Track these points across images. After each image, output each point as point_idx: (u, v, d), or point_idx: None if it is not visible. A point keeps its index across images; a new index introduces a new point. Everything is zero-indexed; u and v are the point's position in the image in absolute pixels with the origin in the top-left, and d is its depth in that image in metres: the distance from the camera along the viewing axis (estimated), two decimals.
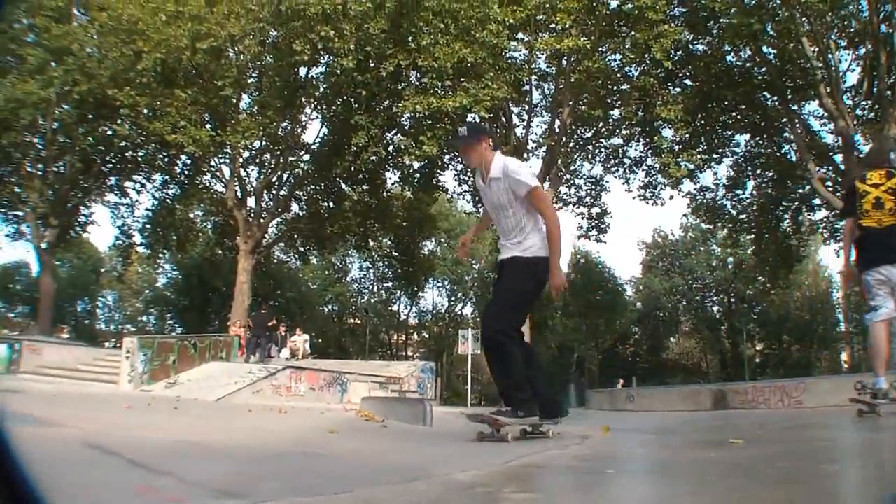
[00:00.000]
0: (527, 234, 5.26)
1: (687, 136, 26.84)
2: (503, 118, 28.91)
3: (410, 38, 25.59)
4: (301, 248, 37.53)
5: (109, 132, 31.37)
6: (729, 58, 27.39)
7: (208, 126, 28.94)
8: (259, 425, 8.68)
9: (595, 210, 31.30)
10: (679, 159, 25.80)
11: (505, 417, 5.20)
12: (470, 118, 24.41)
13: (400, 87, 27.48)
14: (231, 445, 5.58)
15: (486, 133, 5.50)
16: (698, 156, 27.44)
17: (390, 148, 29.53)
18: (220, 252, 39.19)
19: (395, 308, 55.60)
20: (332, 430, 7.89)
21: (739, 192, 31.51)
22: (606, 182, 32.04)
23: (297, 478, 3.70)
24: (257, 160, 31.89)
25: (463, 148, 5.45)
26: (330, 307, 54.15)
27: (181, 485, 3.37)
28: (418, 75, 26.79)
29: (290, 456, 5.02)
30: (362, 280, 54.28)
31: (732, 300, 52.09)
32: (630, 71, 26.94)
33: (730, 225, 32.84)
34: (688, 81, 28.08)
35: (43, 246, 32.74)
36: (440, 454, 4.99)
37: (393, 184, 33.59)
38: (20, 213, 34.52)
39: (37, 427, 5.46)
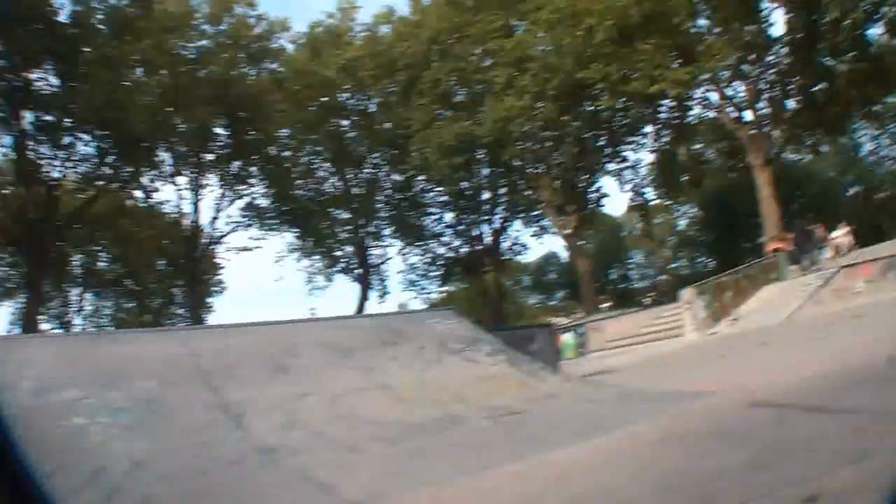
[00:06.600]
0: None
1: None
2: None
3: None
4: (808, 142, 36.04)
5: (592, 110, 33.26)
6: None
7: (680, 63, 29.36)
8: (858, 339, 9.19)
9: None
10: None
11: None
12: None
13: None
14: (864, 367, 5.96)
15: None
16: None
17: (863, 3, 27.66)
18: (733, 175, 39.53)
19: None
20: None
21: None
22: None
23: None
24: (738, 74, 31.38)
25: None
26: (853, 189, 51.15)
27: (875, 416, 3.93)
28: None
29: None
30: (878, 149, 50.04)
31: None
32: None
33: None
34: None
35: (567, 232, 36.25)
36: None
37: (877, 38, 31.14)
38: (537, 212, 39.28)
39: (699, 400, 6.07)
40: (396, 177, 40.92)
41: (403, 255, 43.07)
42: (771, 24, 30.73)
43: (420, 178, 39.60)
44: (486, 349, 8.87)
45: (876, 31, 29.88)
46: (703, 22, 30.53)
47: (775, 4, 30.27)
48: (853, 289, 19.53)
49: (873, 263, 20.73)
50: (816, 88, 31.23)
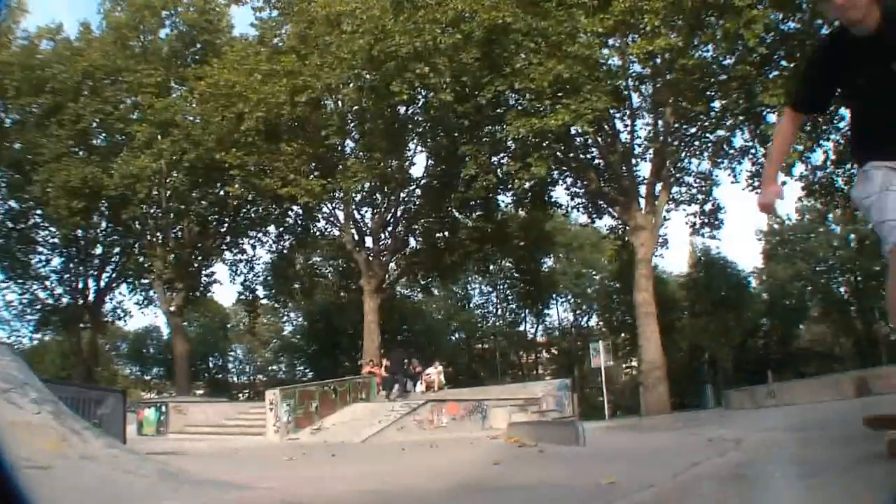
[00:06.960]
0: None
1: None
2: (606, 127, 28.92)
3: (504, 63, 25.72)
4: (422, 281, 38.07)
5: (222, 194, 32.76)
6: (823, 31, 25.60)
7: (317, 175, 29.70)
8: (424, 465, 9.57)
9: (707, 207, 31.49)
10: None
11: None
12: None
13: (501, 112, 27.63)
14: (417, 490, 6.32)
15: None
16: (805, 137, 26.70)
17: (499, 172, 29.26)
18: (343, 295, 40.46)
19: (521, 328, 55.66)
20: (496, 462, 8.75)
21: (848, 166, 28.94)
22: (716, 176, 31.89)
23: None
24: (369, 201, 32.54)
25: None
26: (457, 335, 54.62)
27: None
28: (517, 98, 27.02)
29: (479, 494, 5.78)
30: (486, 304, 54.83)
31: (860, 278, 49.69)
32: (725, 61, 26.83)
33: (844, 202, 30.91)
34: (784, 62, 27.29)
35: (171, 309, 34.60)
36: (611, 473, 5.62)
37: (507, 205, 33.90)
38: (146, 281, 36.95)
39: (236, 491, 6.04)
40: (13, 203, 36.86)
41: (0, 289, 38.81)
42: (413, 164, 32.82)
43: (37, 212, 36.18)
44: (33, 395, 7.64)
45: (506, 199, 32.79)
46: (350, 143, 31.61)
47: (420, 149, 32.24)
48: (438, 422, 20.73)
49: (460, 403, 22.35)
50: (439, 235, 33.36)
